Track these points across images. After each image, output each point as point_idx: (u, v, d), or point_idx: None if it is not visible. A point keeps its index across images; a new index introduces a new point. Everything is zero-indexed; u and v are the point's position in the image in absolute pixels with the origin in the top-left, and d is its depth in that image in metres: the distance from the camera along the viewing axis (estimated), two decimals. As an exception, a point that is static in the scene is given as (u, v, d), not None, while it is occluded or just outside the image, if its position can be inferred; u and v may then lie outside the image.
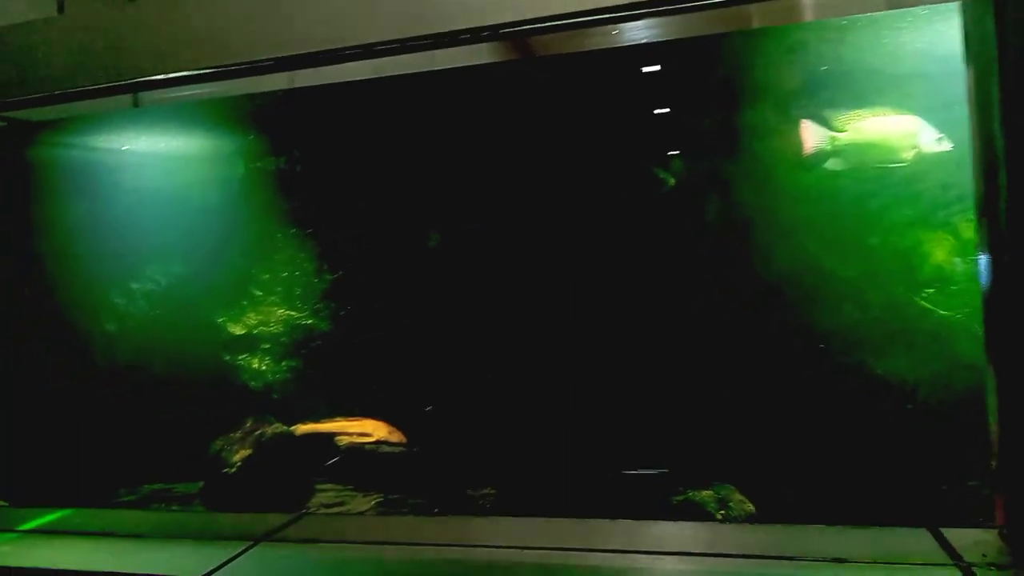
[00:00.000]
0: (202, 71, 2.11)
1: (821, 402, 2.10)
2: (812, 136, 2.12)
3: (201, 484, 2.48)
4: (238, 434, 2.50)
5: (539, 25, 1.79)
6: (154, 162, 2.83)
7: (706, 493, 2.16)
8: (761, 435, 2.16)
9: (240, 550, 1.95)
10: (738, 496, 2.13)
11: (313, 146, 2.81)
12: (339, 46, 1.96)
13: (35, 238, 2.69)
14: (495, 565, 1.81)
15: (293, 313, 2.80)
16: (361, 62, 2.06)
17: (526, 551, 1.86)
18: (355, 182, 2.72)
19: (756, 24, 2.11)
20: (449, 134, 2.50)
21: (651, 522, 1.92)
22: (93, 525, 2.24)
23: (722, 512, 2.09)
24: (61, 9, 3.45)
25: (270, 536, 2.03)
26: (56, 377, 2.62)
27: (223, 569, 1.83)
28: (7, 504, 2.39)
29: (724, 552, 1.73)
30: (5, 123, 2.61)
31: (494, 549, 1.88)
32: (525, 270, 2.47)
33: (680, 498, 2.17)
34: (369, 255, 2.70)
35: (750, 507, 2.10)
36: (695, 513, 2.12)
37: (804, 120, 2.13)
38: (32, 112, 2.44)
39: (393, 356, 2.64)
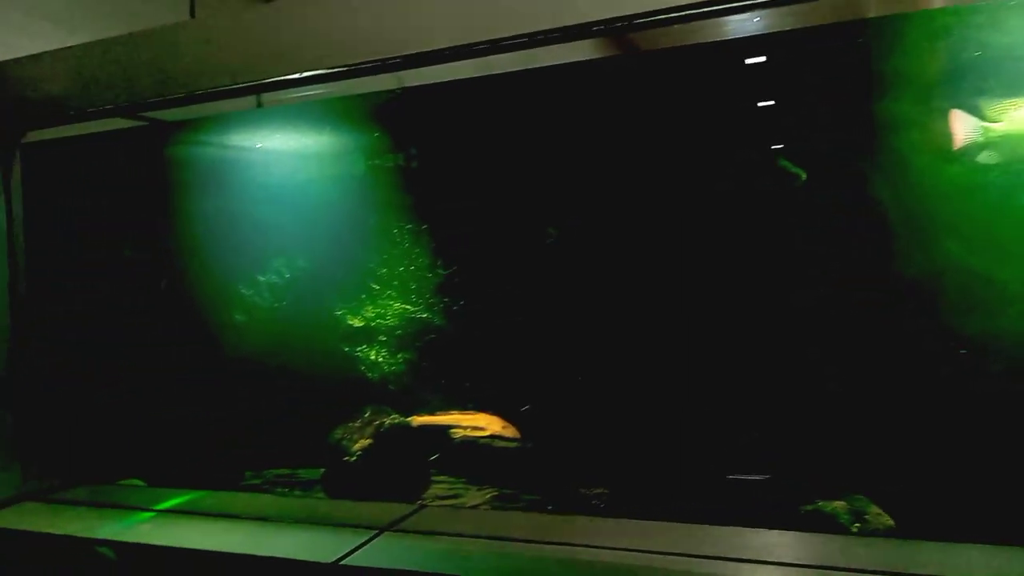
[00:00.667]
0: (328, 71, 2.16)
1: (970, 412, 1.96)
2: (963, 127, 1.98)
3: (322, 471, 2.56)
4: (357, 423, 2.57)
5: (675, 15, 1.74)
6: (279, 160, 2.93)
7: (838, 504, 2.05)
8: (902, 445, 2.03)
9: (367, 538, 1.99)
10: (874, 508, 2.01)
11: (430, 143, 2.84)
12: (465, 42, 1.97)
13: (172, 233, 2.84)
14: (617, 568, 1.78)
15: (408, 307, 2.85)
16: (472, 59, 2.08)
17: (646, 555, 1.82)
18: (472, 178, 2.73)
19: (903, 8, 1.99)
20: (570, 129, 2.47)
21: (773, 531, 1.85)
22: (223, 507, 2.34)
23: (857, 525, 1.99)
24: (192, 13, 3.64)
25: (395, 526, 2.07)
26: (190, 364, 2.76)
27: (353, 555, 1.87)
28: (144, 484, 2.54)
29: (845, 566, 1.65)
30: (146, 123, 2.77)
31: (613, 551, 1.85)
32: (648, 267, 2.42)
33: (809, 508, 2.07)
34: (484, 251, 2.71)
35: (888, 520, 1.99)
36: (825, 524, 2.03)
37: (954, 110, 1.99)
38: (166, 113, 2.58)
39: (508, 352, 2.64)
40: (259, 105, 2.78)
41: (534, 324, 2.60)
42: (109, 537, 2.16)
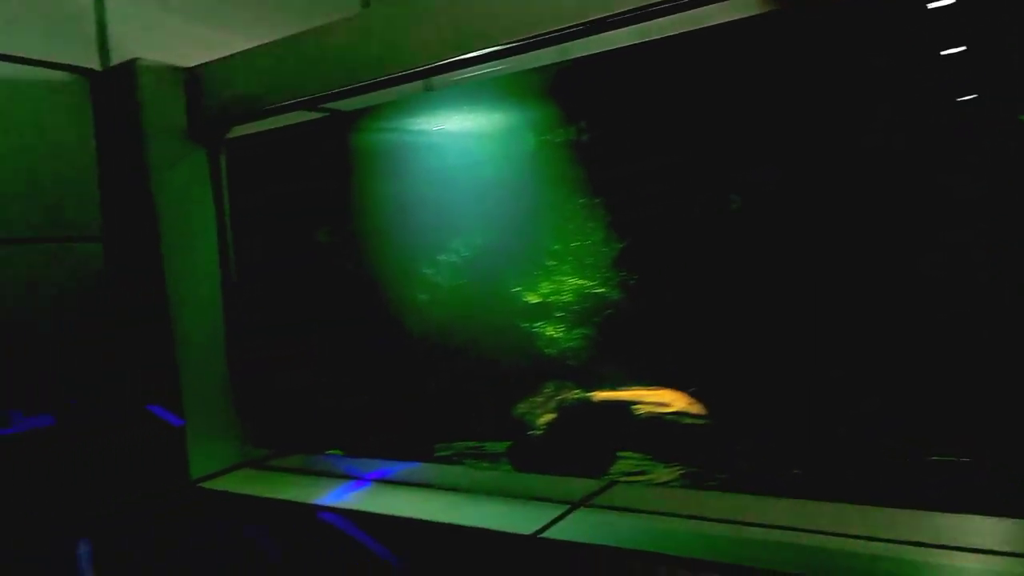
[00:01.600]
0: (497, 48, 2.15)
1: None
2: None
3: (508, 445, 2.60)
4: (540, 398, 2.59)
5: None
6: (454, 142, 2.99)
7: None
8: None
9: (561, 512, 2.00)
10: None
11: (603, 114, 2.78)
12: (645, 4, 1.89)
13: (356, 217, 2.98)
14: (821, 552, 1.67)
15: (584, 282, 2.83)
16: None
17: (848, 540, 1.71)
18: (647, 148, 2.65)
19: None
20: (751, 94, 2.33)
21: (982, 517, 1.67)
22: (419, 478, 2.45)
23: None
24: (366, 4, 3.78)
25: (587, 501, 2.07)
26: (380, 342, 2.90)
27: (551, 529, 1.89)
28: (343, 453, 2.70)
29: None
30: (327, 114, 2.91)
31: (812, 534, 1.76)
32: (842, 236, 2.24)
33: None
34: (662, 222, 2.62)
35: None
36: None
37: None
38: (342, 103, 2.69)
39: (689, 327, 2.55)
40: (429, 89, 2.85)
41: (716, 298, 2.49)
42: (322, 502, 2.32)
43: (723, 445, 2.41)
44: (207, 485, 2.52)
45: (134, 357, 2.58)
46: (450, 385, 2.84)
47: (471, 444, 2.70)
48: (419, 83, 2.60)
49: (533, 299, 2.86)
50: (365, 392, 2.88)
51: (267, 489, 2.45)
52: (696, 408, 2.50)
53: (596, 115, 2.80)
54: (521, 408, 2.60)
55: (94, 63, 2.57)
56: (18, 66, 2.41)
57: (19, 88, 2.40)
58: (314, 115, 2.84)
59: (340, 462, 2.63)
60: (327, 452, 2.73)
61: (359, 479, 2.52)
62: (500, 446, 2.64)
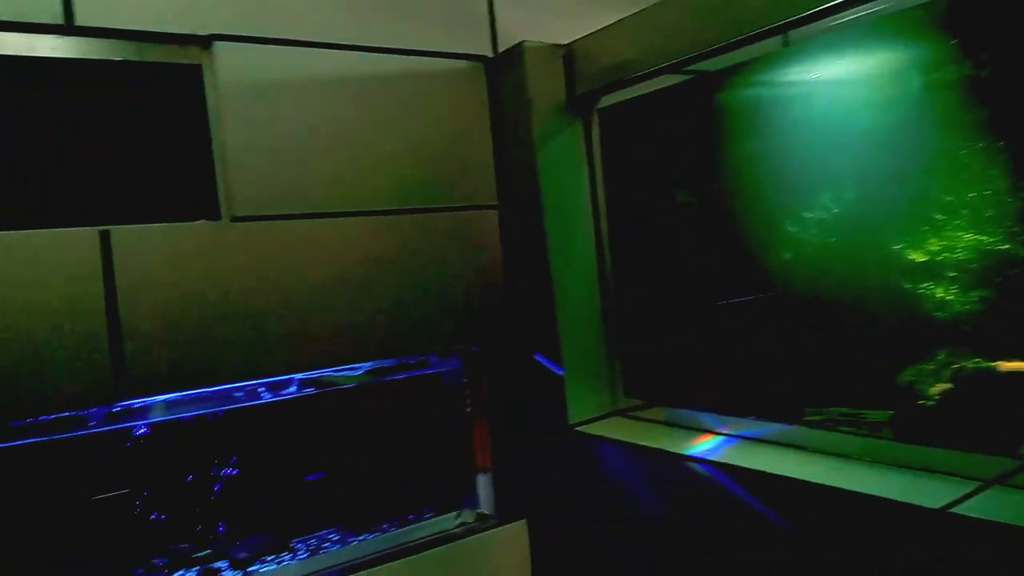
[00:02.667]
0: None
1: None
2: None
3: (889, 414, 2.43)
4: (931, 366, 2.36)
5: None
6: (823, 91, 2.82)
7: None
8: None
9: (971, 489, 1.83)
10: None
11: (1005, 45, 2.41)
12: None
13: (720, 176, 2.98)
14: None
15: (983, 238, 2.50)
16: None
17: None
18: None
19: None
20: None
21: None
22: (790, 439, 2.40)
23: None
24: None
25: (1003, 480, 1.86)
26: (745, 301, 2.89)
27: (961, 505, 1.74)
28: (710, 410, 2.76)
29: None
30: (692, 76, 2.93)
31: None
32: None
33: None
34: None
35: None
36: None
37: None
38: (704, 64, 2.67)
39: None
40: (786, 44, 2.71)
41: None
42: (693, 454, 2.40)
43: None
44: (583, 429, 2.75)
45: (522, 309, 2.90)
46: (822, 348, 2.73)
47: (846, 411, 2.57)
48: (777, 39, 2.50)
49: (918, 257, 2.60)
50: (732, 351, 2.89)
51: (638, 436, 2.60)
52: None
53: (997, 45, 2.43)
54: (907, 376, 2.40)
55: (487, 50, 2.91)
56: (421, 59, 2.80)
57: (422, 79, 2.80)
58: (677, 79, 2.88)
59: (707, 418, 2.69)
60: (693, 407, 2.81)
61: (729, 436, 2.55)
62: (880, 415, 2.48)
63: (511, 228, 2.93)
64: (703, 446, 2.48)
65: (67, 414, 2.12)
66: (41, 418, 2.13)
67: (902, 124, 2.65)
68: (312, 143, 2.55)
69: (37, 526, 2.35)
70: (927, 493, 1.84)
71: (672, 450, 2.44)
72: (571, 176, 2.87)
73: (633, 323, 2.93)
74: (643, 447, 2.51)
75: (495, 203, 2.93)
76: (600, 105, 2.87)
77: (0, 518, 2.29)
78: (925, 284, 2.59)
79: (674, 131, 3.07)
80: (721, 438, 2.54)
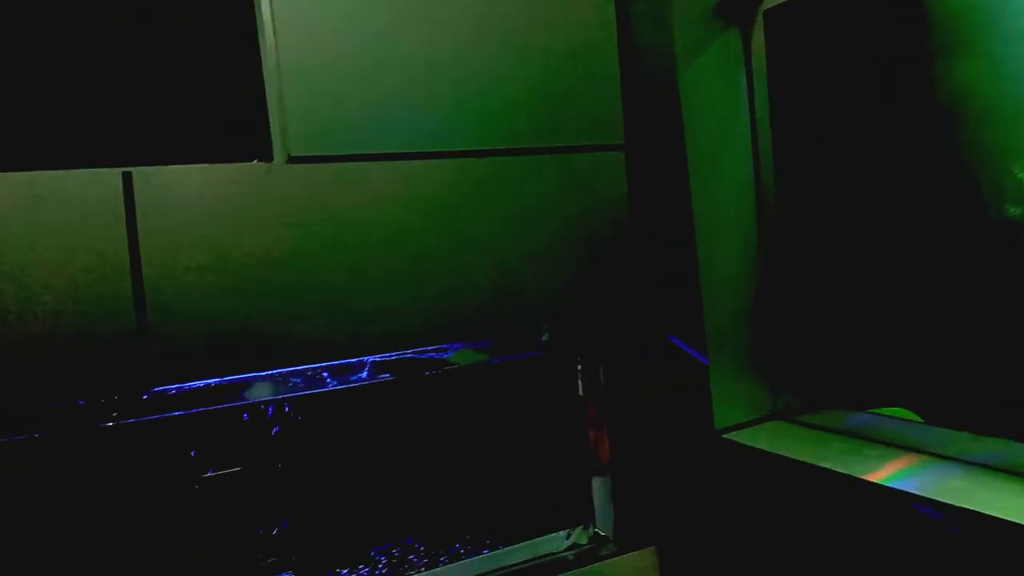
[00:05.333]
0: None
1: None
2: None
3: None
4: None
5: None
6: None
7: None
8: None
9: None
10: None
11: None
12: None
13: (924, 104, 2.21)
14: None
15: None
16: None
17: None
18: None
19: None
20: None
21: None
22: None
23: None
24: None
25: None
26: (959, 269, 2.12)
27: None
28: (917, 418, 2.05)
29: None
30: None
31: None
32: None
33: None
34: None
35: None
36: None
37: None
38: None
39: None
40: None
41: None
42: (901, 485, 1.72)
43: None
44: (733, 437, 2.11)
45: (655, 279, 2.27)
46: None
47: None
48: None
49: None
50: (940, 339, 2.15)
51: (811, 452, 1.94)
52: None
53: None
54: None
55: (615, -52, 2.25)
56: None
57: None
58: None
59: (901, 427, 2.00)
60: (884, 411, 2.11)
61: (939, 456, 1.85)
62: None
63: (641, 174, 2.29)
64: (908, 473, 1.80)
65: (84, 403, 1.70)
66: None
67: None
68: (391, 62, 2.00)
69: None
70: None
71: (864, 477, 1.76)
72: (724, 105, 2.19)
73: (805, 299, 2.23)
74: (821, 469, 1.85)
75: (620, 142, 2.30)
76: (766, 5, 2.16)
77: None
78: None
79: (878, 39, 2.27)
80: (932, 461, 1.84)
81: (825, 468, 1.85)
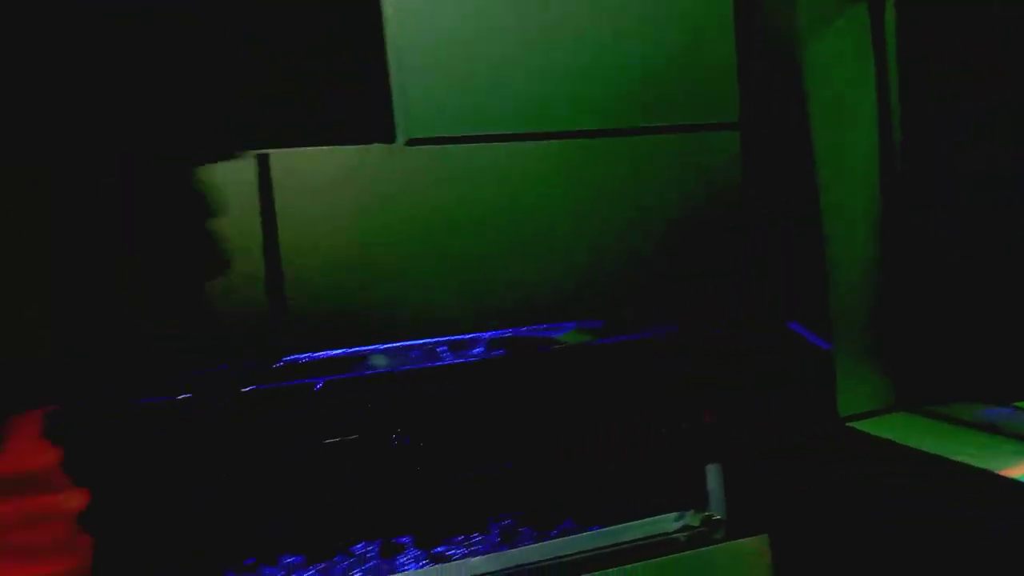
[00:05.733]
0: None
1: None
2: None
3: None
4: None
5: None
6: None
7: None
8: None
9: None
10: None
11: None
12: None
13: None
14: None
15: None
16: None
17: None
18: None
19: None
20: None
21: None
22: None
23: None
24: None
25: None
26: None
27: None
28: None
29: None
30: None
31: None
32: None
33: None
34: None
35: None
36: None
37: None
38: None
39: None
40: None
41: None
42: (1010, 472, 1.62)
43: None
44: (858, 426, 2.03)
45: (774, 261, 2.21)
46: None
47: None
48: None
49: None
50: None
51: (947, 446, 1.84)
52: None
53: None
54: None
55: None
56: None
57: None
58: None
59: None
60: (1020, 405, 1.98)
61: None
62: None
63: (759, 155, 2.22)
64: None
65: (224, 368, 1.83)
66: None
67: None
68: (507, 44, 2.03)
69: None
70: None
71: (1004, 473, 1.66)
72: (850, 84, 2.09)
73: (936, 287, 2.11)
74: (956, 464, 1.76)
75: (735, 121, 2.23)
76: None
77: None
78: None
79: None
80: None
81: (961, 463, 1.75)
